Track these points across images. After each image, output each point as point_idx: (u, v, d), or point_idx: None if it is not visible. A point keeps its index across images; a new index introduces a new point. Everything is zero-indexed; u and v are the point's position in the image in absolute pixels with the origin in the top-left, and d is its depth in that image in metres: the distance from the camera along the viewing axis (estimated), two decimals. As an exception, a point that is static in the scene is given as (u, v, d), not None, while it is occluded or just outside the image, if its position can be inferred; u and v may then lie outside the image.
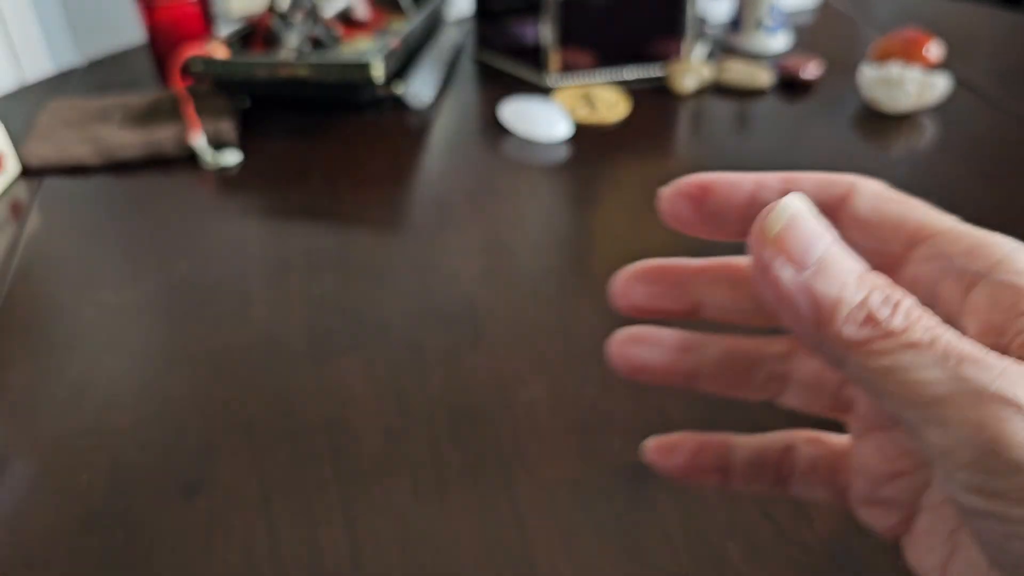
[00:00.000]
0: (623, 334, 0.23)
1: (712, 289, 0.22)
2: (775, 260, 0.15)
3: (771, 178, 0.19)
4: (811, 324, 0.15)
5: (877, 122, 0.70)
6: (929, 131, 0.69)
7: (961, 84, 0.76)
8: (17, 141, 0.71)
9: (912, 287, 0.18)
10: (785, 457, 0.23)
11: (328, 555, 0.35)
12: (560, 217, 0.61)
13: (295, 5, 0.78)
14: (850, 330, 0.15)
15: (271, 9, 0.78)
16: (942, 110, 0.71)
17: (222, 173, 0.67)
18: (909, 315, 0.15)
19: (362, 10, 0.84)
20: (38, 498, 0.38)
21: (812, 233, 0.15)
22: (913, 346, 0.14)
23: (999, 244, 0.16)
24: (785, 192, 0.19)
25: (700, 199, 0.20)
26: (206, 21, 0.81)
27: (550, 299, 0.51)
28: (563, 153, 0.69)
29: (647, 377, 0.23)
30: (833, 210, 0.19)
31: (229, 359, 0.46)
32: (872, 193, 0.18)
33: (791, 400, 0.23)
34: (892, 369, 0.14)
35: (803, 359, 0.22)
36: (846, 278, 0.15)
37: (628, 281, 0.22)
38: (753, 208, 0.19)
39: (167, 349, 0.47)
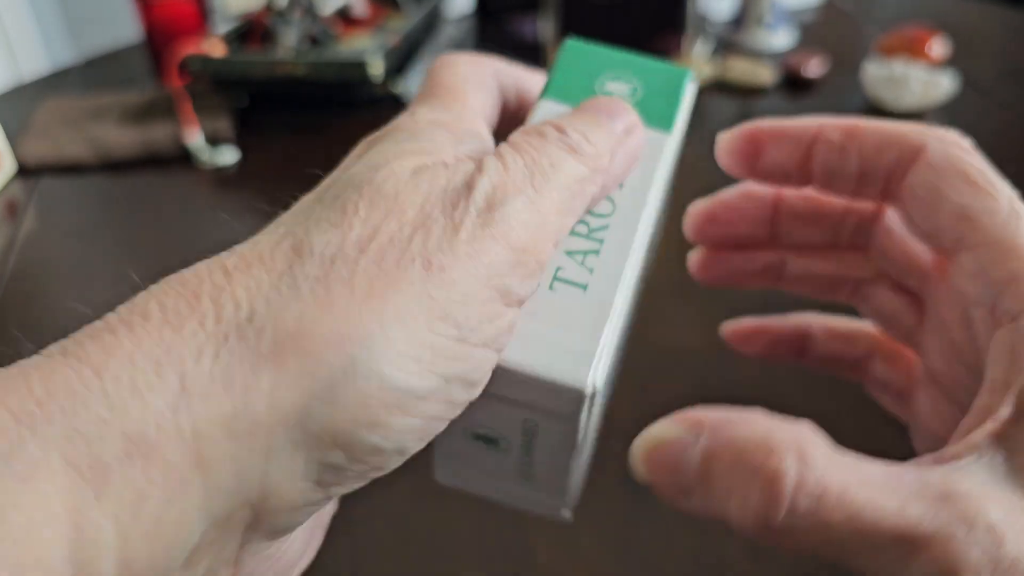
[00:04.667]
0: (701, 208, 0.23)
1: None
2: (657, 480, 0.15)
3: (832, 129, 0.19)
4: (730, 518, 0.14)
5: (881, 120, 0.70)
6: (933, 129, 0.68)
7: (967, 82, 0.75)
8: (13, 140, 0.70)
9: (951, 300, 0.18)
10: (862, 362, 0.23)
11: (328, 556, 0.35)
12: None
13: (293, 2, 0.78)
14: (750, 526, 0.14)
15: (269, 6, 0.78)
16: (947, 109, 0.71)
17: (219, 172, 0.66)
18: (814, 490, 0.14)
19: (360, 7, 0.83)
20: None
21: (675, 460, 0.15)
22: (826, 527, 0.14)
23: None
24: (845, 147, 0.18)
25: (754, 153, 0.20)
26: (203, 18, 0.81)
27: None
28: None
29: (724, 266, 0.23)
30: (895, 176, 0.18)
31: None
32: (936, 165, 0.17)
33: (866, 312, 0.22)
34: (820, 550, 0.14)
35: (880, 289, 0.22)
36: (722, 494, 0.14)
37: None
38: (811, 163, 0.19)
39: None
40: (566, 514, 0.21)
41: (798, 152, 0.19)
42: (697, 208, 0.23)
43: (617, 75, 0.22)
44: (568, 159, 0.17)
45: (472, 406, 0.16)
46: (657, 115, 0.21)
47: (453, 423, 0.16)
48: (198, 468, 0.13)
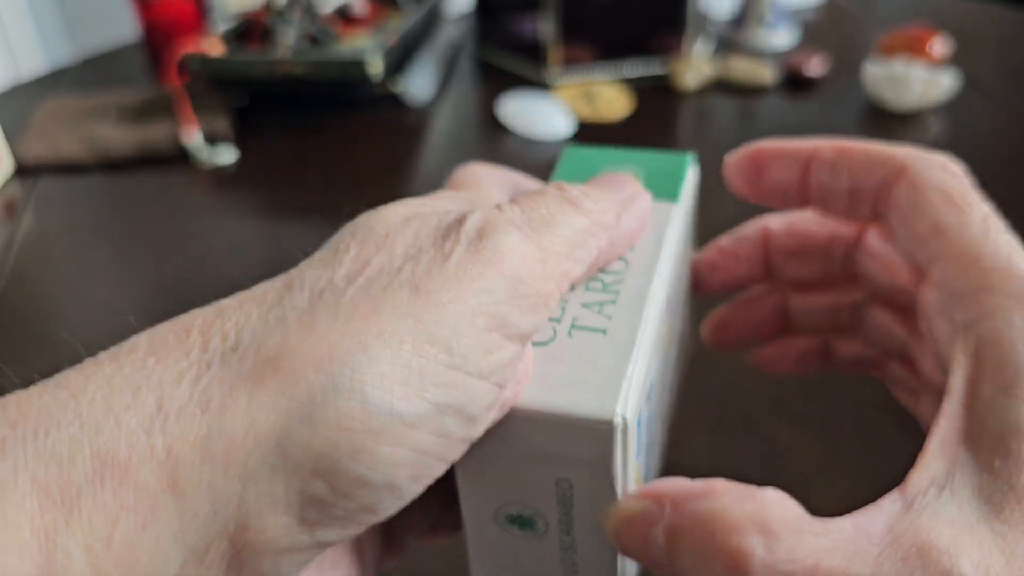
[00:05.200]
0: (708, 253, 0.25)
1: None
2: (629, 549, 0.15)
3: (825, 149, 0.19)
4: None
5: (882, 120, 0.69)
6: (935, 129, 0.68)
7: (968, 82, 0.75)
8: (12, 139, 0.70)
9: (924, 311, 0.18)
10: (882, 361, 0.23)
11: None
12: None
13: (292, 1, 0.77)
14: None
15: (268, 5, 0.78)
16: (948, 108, 0.71)
17: (218, 171, 0.66)
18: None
19: (360, 7, 0.83)
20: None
21: (643, 535, 0.15)
22: None
23: (1001, 289, 0.16)
24: (837, 165, 0.19)
25: (757, 172, 0.21)
26: (202, 17, 0.81)
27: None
28: (564, 151, 0.68)
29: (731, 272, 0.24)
30: (881, 195, 0.19)
31: None
32: (916, 183, 0.18)
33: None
34: None
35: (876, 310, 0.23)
36: (691, 570, 0.14)
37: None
38: (808, 181, 0.20)
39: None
40: None
41: (796, 171, 0.20)
42: (699, 260, 0.24)
43: (620, 167, 0.22)
44: (568, 210, 0.17)
45: (499, 479, 0.16)
46: (662, 190, 0.21)
47: (481, 507, 0.15)
48: (172, 491, 0.12)
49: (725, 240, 0.24)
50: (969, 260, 0.16)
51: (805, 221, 0.23)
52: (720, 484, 0.14)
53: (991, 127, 0.69)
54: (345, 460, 0.13)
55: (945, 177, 0.18)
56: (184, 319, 0.14)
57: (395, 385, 0.13)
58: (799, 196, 0.20)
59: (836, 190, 0.20)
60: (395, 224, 0.16)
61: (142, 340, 0.14)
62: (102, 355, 0.14)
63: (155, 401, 0.13)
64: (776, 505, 0.14)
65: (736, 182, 0.21)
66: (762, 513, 0.14)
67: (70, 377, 0.13)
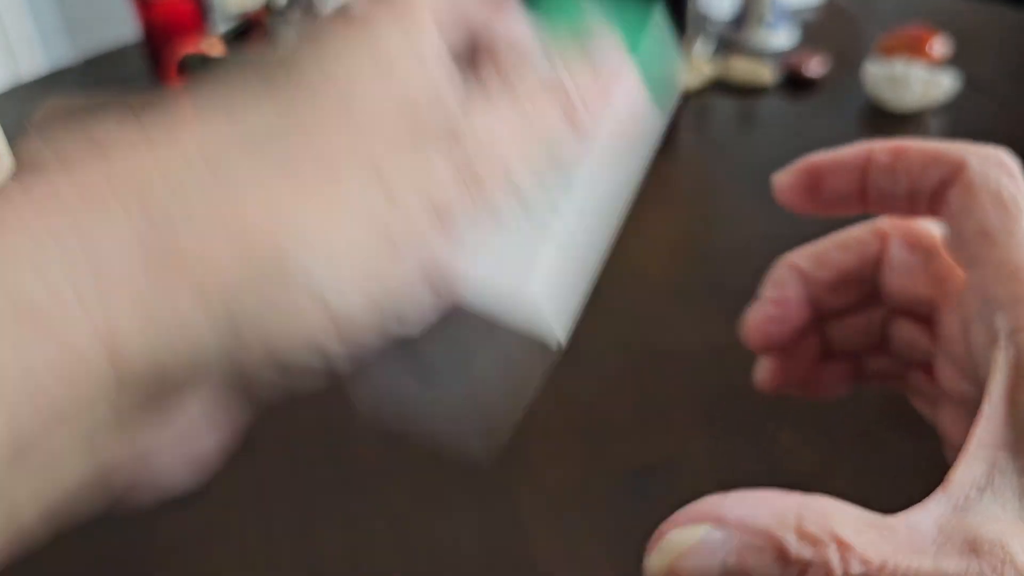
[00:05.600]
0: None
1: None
2: None
3: (881, 153, 0.19)
4: None
5: (882, 120, 0.70)
6: (934, 129, 0.68)
7: (967, 82, 0.75)
8: (12, 139, 0.70)
9: (956, 316, 0.19)
10: (904, 373, 0.23)
11: (327, 559, 0.35)
12: (561, 216, 0.60)
13: (292, 2, 0.77)
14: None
15: (268, 6, 0.78)
16: (948, 108, 0.71)
17: (218, 171, 0.66)
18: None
19: (360, 6, 0.83)
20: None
21: (705, 566, 0.14)
22: None
23: None
24: (894, 168, 0.19)
25: (813, 185, 0.21)
26: (202, 18, 0.81)
27: (551, 299, 0.50)
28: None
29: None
30: (938, 194, 0.19)
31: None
32: (970, 183, 0.18)
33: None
34: None
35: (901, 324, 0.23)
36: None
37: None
38: (866, 186, 0.20)
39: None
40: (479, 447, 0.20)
41: (853, 179, 0.20)
42: (750, 329, 0.24)
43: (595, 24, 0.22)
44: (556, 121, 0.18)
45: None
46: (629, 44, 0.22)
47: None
48: None
49: (770, 307, 0.24)
50: (1013, 268, 0.16)
51: (828, 252, 0.23)
52: (771, 493, 0.14)
53: (991, 127, 0.69)
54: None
55: (1000, 177, 0.18)
56: None
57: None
58: (857, 201, 0.20)
59: (895, 193, 0.20)
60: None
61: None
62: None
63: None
64: (838, 512, 0.14)
65: (791, 198, 0.21)
66: (828, 520, 0.14)
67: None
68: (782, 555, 0.13)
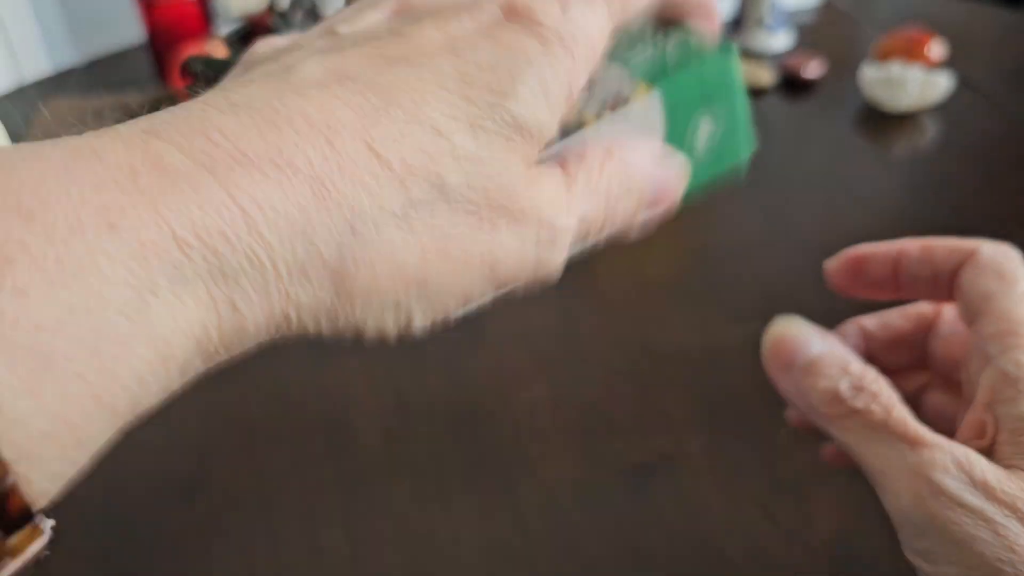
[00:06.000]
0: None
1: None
2: (772, 367, 0.22)
3: (912, 248, 0.24)
4: (805, 407, 0.21)
5: (879, 121, 0.70)
6: (931, 131, 0.69)
7: (963, 83, 0.76)
8: (15, 141, 0.70)
9: (968, 366, 0.22)
10: (918, 396, 0.27)
11: (328, 557, 0.35)
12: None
13: (295, 4, 0.78)
14: (823, 407, 0.20)
15: (271, 8, 0.78)
16: (944, 110, 0.71)
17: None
18: (872, 399, 0.20)
19: (362, 9, 0.83)
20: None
21: (794, 347, 0.22)
22: (869, 424, 0.19)
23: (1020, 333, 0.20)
24: (921, 259, 0.24)
25: (857, 270, 0.25)
26: (205, 20, 0.81)
27: (551, 299, 0.50)
28: (564, 152, 0.68)
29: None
30: (954, 274, 0.23)
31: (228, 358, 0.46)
32: (979, 262, 0.22)
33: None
34: (854, 441, 0.20)
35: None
36: (829, 371, 0.21)
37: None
38: (898, 273, 0.24)
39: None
40: None
41: (888, 267, 0.24)
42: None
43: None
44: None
45: None
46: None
47: None
48: None
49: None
50: (1006, 317, 0.20)
51: (892, 317, 0.27)
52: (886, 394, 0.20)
53: (986, 128, 0.69)
54: None
55: (1004, 260, 0.22)
56: None
57: None
58: (891, 287, 0.25)
59: (922, 278, 0.24)
60: None
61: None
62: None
63: None
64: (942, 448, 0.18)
65: (839, 282, 0.26)
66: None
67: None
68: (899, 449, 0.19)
